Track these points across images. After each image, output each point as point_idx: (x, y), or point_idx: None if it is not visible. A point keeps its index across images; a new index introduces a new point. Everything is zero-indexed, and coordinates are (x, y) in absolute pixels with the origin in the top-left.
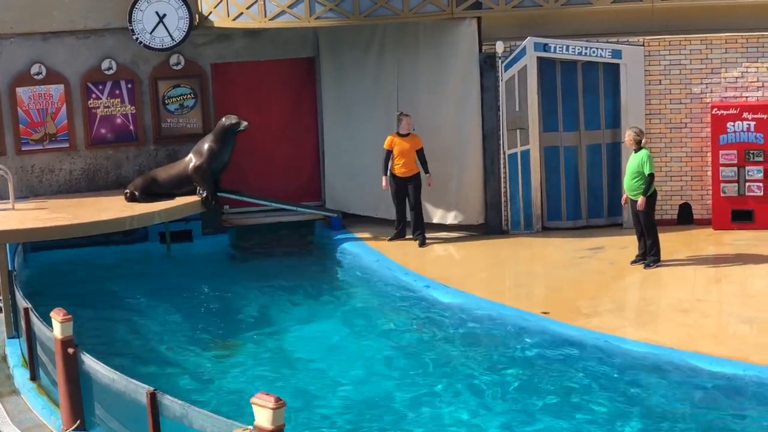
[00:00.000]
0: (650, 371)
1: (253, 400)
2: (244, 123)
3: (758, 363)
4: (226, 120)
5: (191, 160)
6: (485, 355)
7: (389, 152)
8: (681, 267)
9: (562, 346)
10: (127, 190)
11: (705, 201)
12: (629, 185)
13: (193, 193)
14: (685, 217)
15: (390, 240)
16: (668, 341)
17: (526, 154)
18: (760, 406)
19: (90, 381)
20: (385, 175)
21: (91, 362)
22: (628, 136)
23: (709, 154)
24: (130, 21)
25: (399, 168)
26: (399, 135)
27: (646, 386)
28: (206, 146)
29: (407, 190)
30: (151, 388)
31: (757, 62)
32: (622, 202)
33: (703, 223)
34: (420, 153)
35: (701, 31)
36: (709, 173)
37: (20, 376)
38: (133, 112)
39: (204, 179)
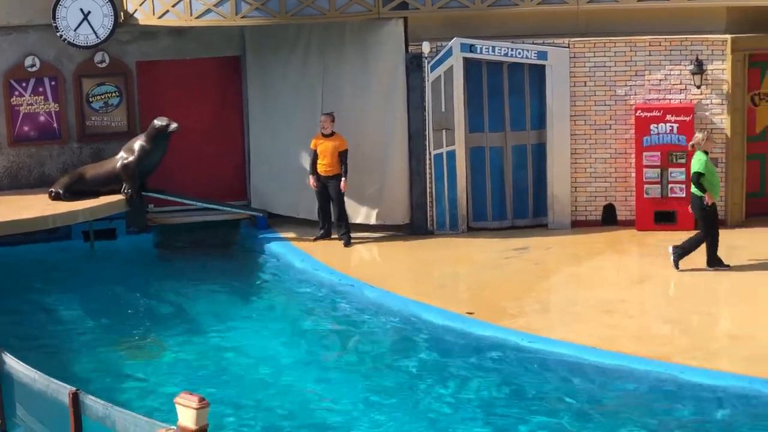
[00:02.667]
0: (574, 371)
1: (177, 400)
2: (174, 125)
3: (680, 363)
4: (159, 121)
5: (121, 157)
6: (407, 354)
7: (315, 152)
8: (605, 268)
9: (487, 346)
10: (52, 189)
11: (629, 202)
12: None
13: (119, 191)
14: (610, 218)
15: (315, 240)
16: (592, 341)
17: (451, 155)
18: (681, 405)
19: (11, 381)
20: (312, 174)
21: (12, 362)
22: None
23: (633, 155)
24: (54, 18)
25: (322, 167)
26: (323, 135)
27: (570, 386)
28: (137, 145)
29: (330, 190)
30: (73, 388)
31: (680, 65)
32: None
33: (627, 224)
34: (342, 154)
35: (626, 34)
36: (633, 175)
37: None
38: (57, 109)
39: (131, 177)
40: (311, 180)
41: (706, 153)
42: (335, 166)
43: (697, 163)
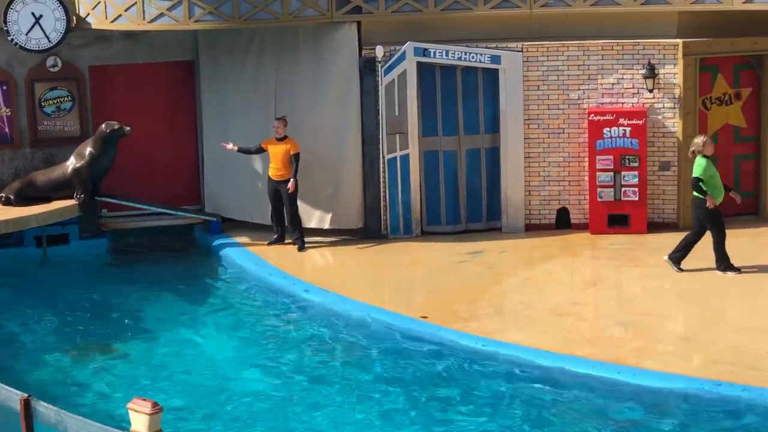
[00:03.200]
0: (527, 374)
1: (130, 405)
2: (127, 128)
3: (633, 365)
4: (107, 126)
5: (72, 163)
6: (361, 358)
7: (260, 148)
8: (558, 271)
9: (440, 350)
10: (2, 194)
11: (582, 205)
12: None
13: (71, 197)
14: (563, 222)
15: (269, 244)
16: (545, 344)
17: (405, 159)
18: (634, 408)
19: None
20: (237, 147)
21: None
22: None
23: (587, 159)
24: (4, 22)
25: (273, 171)
26: (276, 139)
27: (523, 389)
28: (87, 150)
29: (282, 194)
30: (25, 395)
31: (632, 69)
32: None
33: (581, 227)
34: (294, 157)
35: (578, 38)
36: (586, 178)
37: None
38: (9, 114)
39: (83, 182)
40: (231, 145)
41: (706, 157)
42: (287, 170)
43: (698, 168)
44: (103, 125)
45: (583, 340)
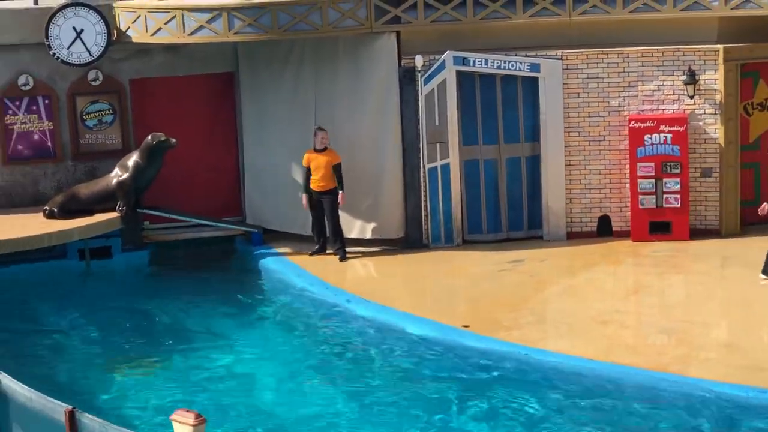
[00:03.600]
0: (570, 383)
1: (173, 416)
2: (173, 140)
3: (676, 373)
4: (153, 138)
5: (116, 174)
6: (406, 369)
7: (308, 169)
8: (600, 279)
9: (483, 359)
10: (46, 207)
11: (624, 213)
12: None
13: (113, 209)
14: (605, 229)
15: (311, 255)
16: (587, 353)
17: (446, 168)
18: (676, 416)
19: (7, 401)
20: (305, 193)
21: (8, 381)
22: None
23: (628, 166)
24: (46, 36)
25: (315, 183)
26: (315, 150)
27: (566, 398)
28: (132, 162)
29: (324, 205)
30: (70, 407)
31: (672, 75)
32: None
33: (622, 234)
34: (336, 168)
35: (618, 45)
36: (628, 185)
37: None
38: (51, 128)
39: (126, 194)
40: (304, 200)
41: None
42: (329, 181)
43: None
44: (149, 137)
45: (625, 347)
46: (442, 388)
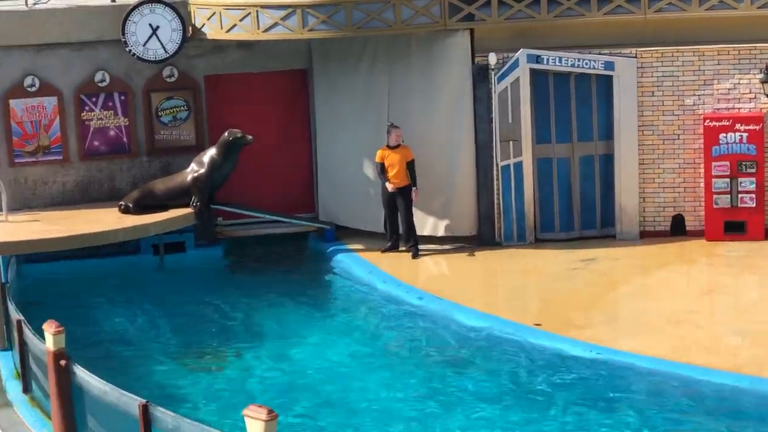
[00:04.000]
0: (643, 382)
1: (245, 412)
2: (249, 137)
3: (751, 374)
4: (229, 134)
5: (192, 170)
6: (480, 367)
7: (382, 165)
8: (674, 278)
9: (555, 358)
10: (122, 203)
11: (698, 212)
12: None
13: (188, 205)
14: (678, 229)
15: (383, 252)
16: (661, 353)
17: (519, 166)
18: (752, 417)
19: (82, 393)
20: (387, 180)
21: (83, 374)
22: None
23: (702, 165)
24: (123, 33)
25: (392, 179)
26: (389, 147)
27: (639, 398)
28: (208, 158)
29: (397, 202)
30: (143, 400)
31: (749, 74)
32: None
33: (696, 234)
34: (410, 165)
35: (694, 43)
36: (702, 185)
37: (13, 388)
38: (127, 124)
39: (201, 190)
40: (389, 185)
41: None
42: (403, 178)
43: None
44: (226, 133)
45: (699, 348)
46: (509, 383)
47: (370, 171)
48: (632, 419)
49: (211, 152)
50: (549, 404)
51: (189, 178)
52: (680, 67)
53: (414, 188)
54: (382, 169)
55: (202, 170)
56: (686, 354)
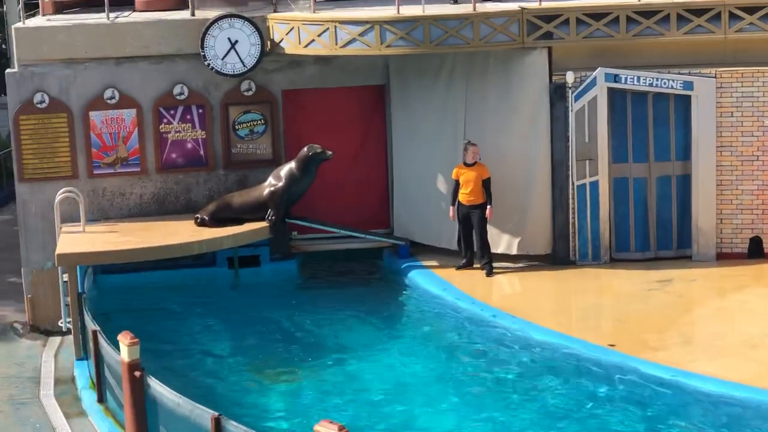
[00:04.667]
0: (719, 407)
1: (317, 427)
2: (329, 152)
3: None
4: (309, 149)
5: (270, 184)
6: (553, 388)
7: (457, 182)
8: (751, 301)
9: (629, 380)
10: (198, 215)
11: None
12: None
13: (263, 219)
14: (756, 251)
15: (458, 269)
16: (737, 377)
17: (595, 185)
18: None
19: (156, 404)
20: (453, 205)
21: (157, 386)
22: None
23: None
24: (202, 47)
25: (464, 196)
26: (465, 164)
27: (716, 422)
28: (286, 171)
29: (472, 219)
30: (216, 413)
31: None
32: None
33: None
34: (486, 183)
35: None
36: None
37: (88, 397)
38: (204, 137)
39: (278, 204)
40: (451, 211)
41: None
42: (479, 195)
43: None
44: (306, 148)
45: None
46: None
47: (445, 188)
48: None
49: (290, 166)
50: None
51: (266, 191)
52: (760, 88)
53: (489, 206)
54: (456, 187)
55: (280, 184)
56: (763, 379)
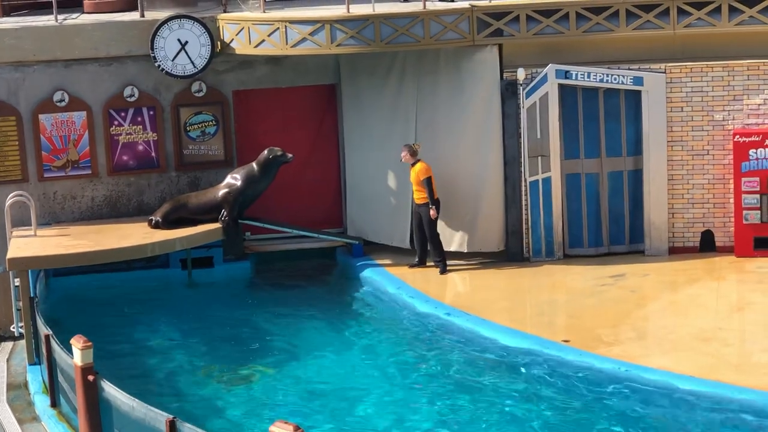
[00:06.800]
0: (671, 400)
1: (272, 428)
2: (289, 155)
3: None
4: (269, 152)
5: (226, 185)
6: (506, 385)
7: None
8: (703, 295)
9: (583, 375)
10: (152, 217)
11: (727, 228)
12: None
13: (217, 220)
14: (708, 245)
15: (411, 267)
16: (690, 370)
17: (547, 182)
18: None
19: (110, 408)
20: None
21: (111, 389)
22: None
23: (732, 181)
24: (152, 48)
25: (415, 194)
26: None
27: (667, 415)
28: (244, 173)
29: (422, 218)
30: (171, 416)
31: None
32: None
33: (726, 250)
34: (424, 183)
35: (723, 58)
36: (732, 200)
37: (41, 402)
38: (155, 138)
39: (232, 204)
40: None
41: None
42: (421, 195)
43: None
44: (266, 151)
45: (728, 365)
46: (534, 399)
47: (397, 186)
48: None
49: (248, 169)
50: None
51: (221, 192)
52: (710, 83)
53: (431, 206)
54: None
55: (237, 184)
56: (715, 372)
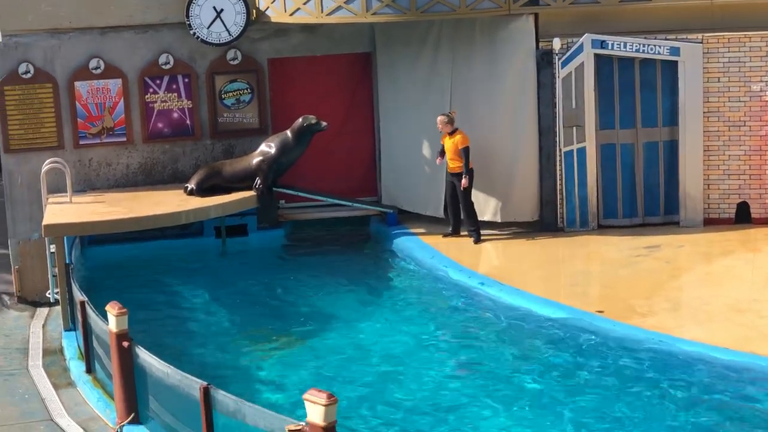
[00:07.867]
0: (705, 371)
1: (306, 396)
2: (324, 123)
3: None
4: (304, 120)
5: (260, 152)
6: (539, 354)
7: (442, 147)
8: (738, 266)
9: (617, 346)
10: (187, 185)
11: (763, 200)
12: None
13: (251, 188)
14: (743, 216)
15: (445, 236)
16: (724, 341)
17: (582, 152)
18: None
19: (144, 374)
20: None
21: (145, 356)
22: None
23: None
24: (187, 16)
25: (449, 164)
26: (449, 133)
27: (701, 386)
28: (279, 141)
29: (455, 187)
30: (205, 383)
31: None
32: None
33: (761, 222)
34: (463, 152)
35: (761, 28)
36: None
37: (76, 368)
38: (190, 106)
39: (266, 172)
40: (438, 160)
41: None
42: (457, 164)
43: None
44: (300, 119)
45: (764, 337)
46: (568, 370)
47: (432, 155)
48: (694, 410)
49: (283, 137)
50: (608, 392)
51: (255, 160)
52: (747, 53)
53: (464, 176)
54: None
55: (271, 152)
56: (749, 343)
